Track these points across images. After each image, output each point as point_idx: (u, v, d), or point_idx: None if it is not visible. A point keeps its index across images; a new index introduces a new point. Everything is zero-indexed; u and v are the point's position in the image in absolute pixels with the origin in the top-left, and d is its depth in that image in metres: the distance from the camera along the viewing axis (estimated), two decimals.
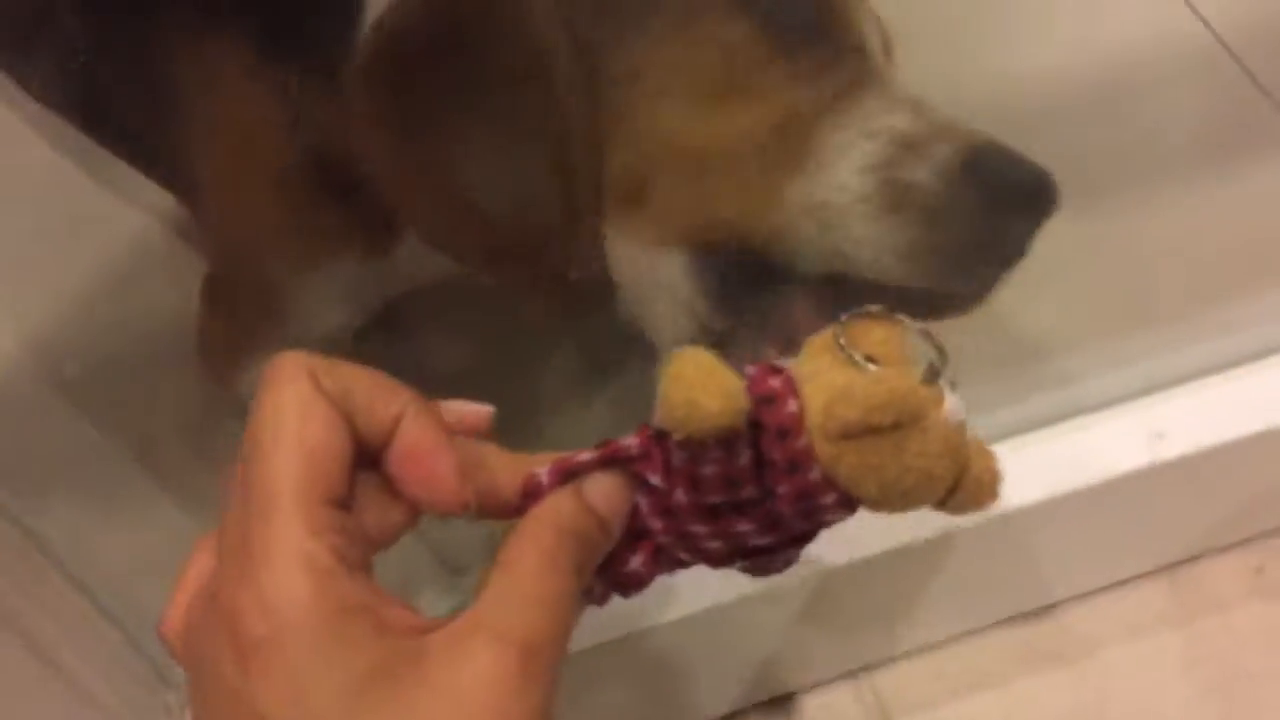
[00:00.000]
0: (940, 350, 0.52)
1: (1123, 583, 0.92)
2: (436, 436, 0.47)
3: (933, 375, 0.50)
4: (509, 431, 0.52)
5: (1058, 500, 0.79)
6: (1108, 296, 1.01)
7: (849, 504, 0.49)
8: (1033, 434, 0.81)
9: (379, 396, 0.48)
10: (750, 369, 0.50)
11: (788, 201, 0.64)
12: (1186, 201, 1.09)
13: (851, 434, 0.47)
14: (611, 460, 0.50)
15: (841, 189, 0.63)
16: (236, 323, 0.88)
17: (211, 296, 0.88)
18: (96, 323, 1.01)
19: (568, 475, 0.50)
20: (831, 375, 0.49)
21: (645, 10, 0.68)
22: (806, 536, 0.52)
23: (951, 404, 0.49)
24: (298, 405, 0.46)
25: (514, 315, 0.91)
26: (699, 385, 0.46)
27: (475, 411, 0.51)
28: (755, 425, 0.48)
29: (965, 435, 0.50)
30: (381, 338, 0.94)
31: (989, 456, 0.50)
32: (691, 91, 0.67)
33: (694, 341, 0.65)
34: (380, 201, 0.76)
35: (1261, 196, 1.08)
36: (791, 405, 0.48)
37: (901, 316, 0.53)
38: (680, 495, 0.49)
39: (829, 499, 0.49)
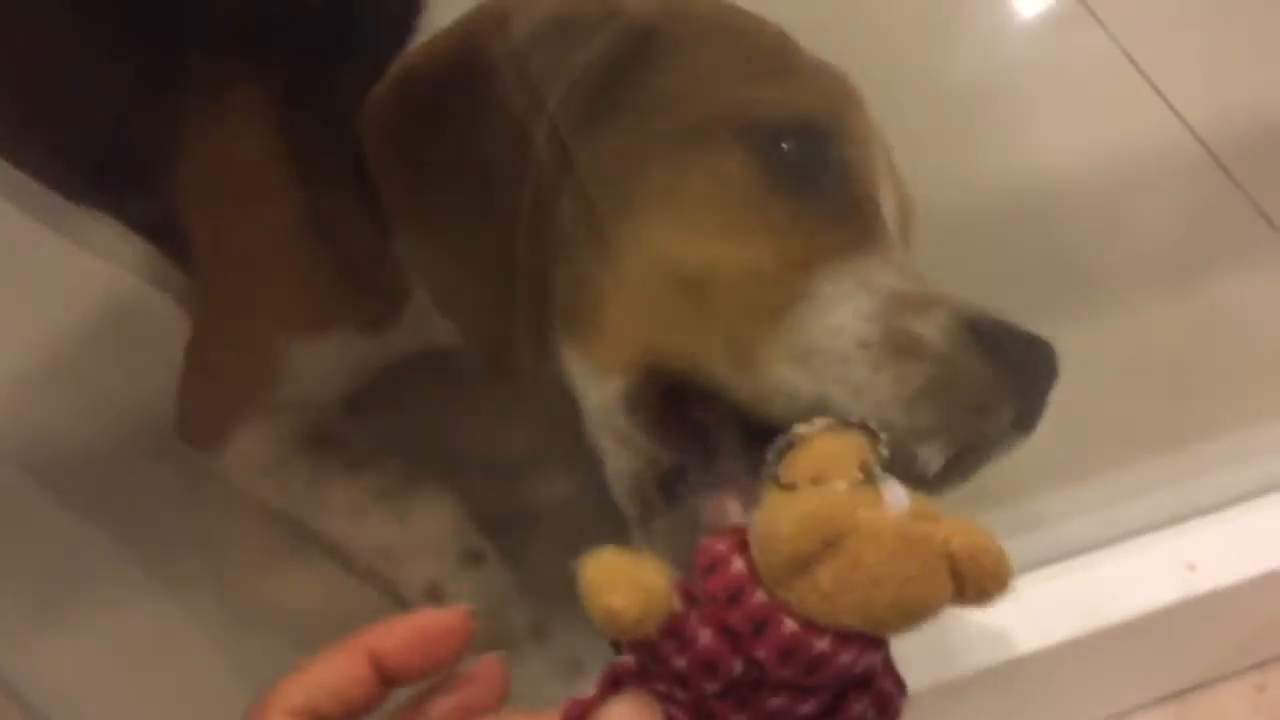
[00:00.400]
0: (873, 440, 0.49)
1: (1128, 712, 0.89)
2: None
3: (868, 475, 0.47)
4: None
5: (1085, 638, 0.76)
6: (1108, 417, 0.98)
7: (856, 642, 0.45)
8: (1061, 565, 0.78)
9: (347, 676, 0.48)
10: (704, 539, 0.48)
11: (773, 342, 0.61)
12: (1180, 311, 1.08)
13: (796, 571, 0.45)
14: (614, 684, 0.48)
15: (838, 333, 0.61)
16: (225, 385, 0.85)
17: (200, 357, 0.84)
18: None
19: (582, 718, 0.47)
20: (758, 516, 0.47)
21: (645, 127, 0.66)
22: (866, 684, 0.47)
23: (889, 496, 0.46)
24: None
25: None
26: (608, 589, 0.44)
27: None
28: (709, 599, 0.46)
29: (929, 523, 0.46)
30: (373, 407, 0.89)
31: (972, 533, 0.46)
32: (681, 218, 0.65)
33: (639, 475, 0.65)
34: (383, 271, 0.75)
35: (1258, 312, 1.08)
36: (736, 565, 0.46)
37: (823, 420, 0.50)
38: (679, 694, 0.46)
39: (822, 645, 0.45)
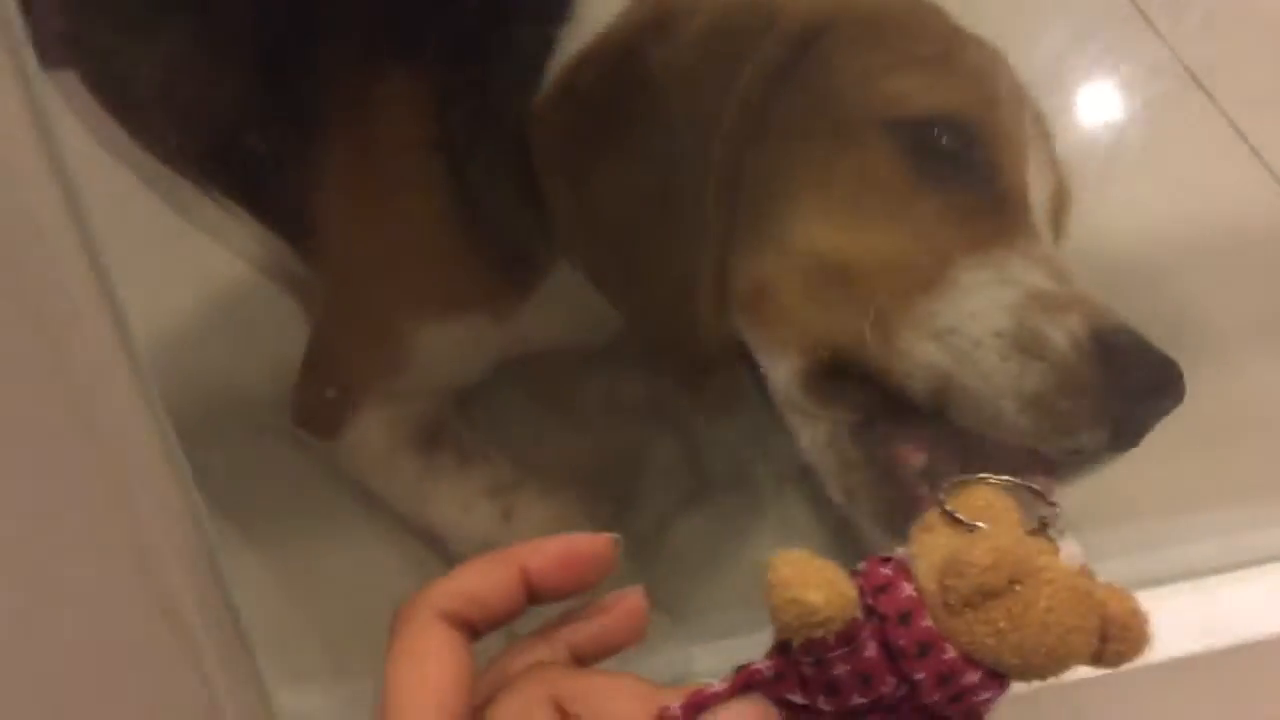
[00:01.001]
0: (1046, 501, 0.52)
1: None
2: None
3: (1041, 528, 0.50)
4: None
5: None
6: (1201, 469, 0.98)
7: (996, 680, 0.47)
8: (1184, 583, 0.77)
9: (496, 586, 0.50)
10: (862, 564, 0.50)
11: (915, 322, 0.64)
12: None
13: (973, 603, 0.46)
14: (746, 687, 0.49)
15: (974, 317, 0.63)
16: (350, 371, 0.86)
17: (326, 342, 0.87)
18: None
19: (700, 708, 0.48)
20: (938, 548, 0.49)
21: (805, 125, 0.69)
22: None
23: (1067, 550, 0.48)
24: (432, 662, 0.46)
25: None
26: (799, 583, 0.46)
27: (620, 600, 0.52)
28: (877, 617, 0.47)
29: (1093, 581, 0.48)
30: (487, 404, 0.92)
31: (1127, 598, 0.49)
32: (832, 211, 0.67)
33: (832, 437, 0.67)
34: (513, 262, 0.77)
35: None
36: (907, 588, 0.48)
37: (999, 477, 0.52)
38: (823, 703, 0.47)
39: (973, 678, 0.47)
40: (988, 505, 0.51)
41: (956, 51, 0.73)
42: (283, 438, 0.89)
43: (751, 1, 0.72)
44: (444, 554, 0.87)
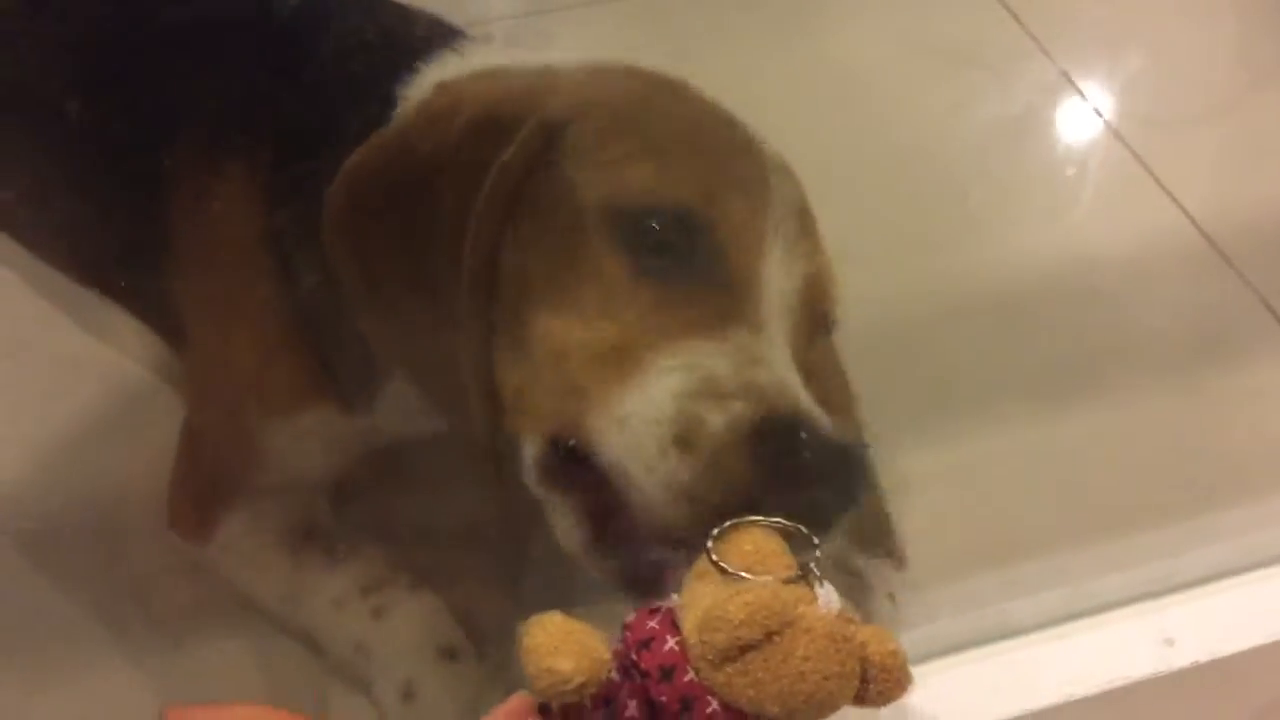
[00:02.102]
0: (809, 544, 0.54)
1: None
2: None
3: (803, 573, 0.51)
4: None
5: (1058, 710, 0.74)
6: (1110, 493, 0.99)
7: None
8: (1039, 634, 0.77)
9: None
10: (631, 616, 0.51)
11: (605, 410, 0.63)
12: (1181, 396, 1.09)
13: (730, 656, 0.47)
14: None
15: (647, 402, 0.62)
16: (214, 472, 0.86)
17: (189, 444, 0.86)
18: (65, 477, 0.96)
19: None
20: (703, 598, 0.50)
21: (548, 216, 0.69)
22: None
23: (823, 597, 0.50)
24: None
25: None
26: (550, 650, 0.46)
27: None
28: (639, 673, 0.48)
29: (852, 625, 0.50)
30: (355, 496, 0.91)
31: (886, 639, 0.50)
32: (556, 300, 0.67)
33: (576, 519, 0.66)
34: (360, 351, 0.76)
35: (1255, 394, 1.08)
36: (670, 642, 0.49)
37: (770, 519, 0.54)
38: None
39: None
40: (755, 550, 0.53)
41: (698, 140, 0.71)
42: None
43: (517, 93, 0.72)
44: (320, 658, 0.86)
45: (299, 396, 0.80)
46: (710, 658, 0.48)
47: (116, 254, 0.91)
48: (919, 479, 0.99)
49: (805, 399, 0.63)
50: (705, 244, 0.67)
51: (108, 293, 0.96)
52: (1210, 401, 1.08)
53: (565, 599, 0.67)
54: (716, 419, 0.60)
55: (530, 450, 0.67)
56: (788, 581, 0.51)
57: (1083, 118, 1.39)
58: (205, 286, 0.83)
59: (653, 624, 0.50)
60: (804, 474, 0.59)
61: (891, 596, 0.83)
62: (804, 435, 0.60)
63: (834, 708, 0.49)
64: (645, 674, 0.48)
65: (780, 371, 0.64)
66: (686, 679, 0.48)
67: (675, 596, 0.53)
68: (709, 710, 0.48)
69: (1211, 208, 1.26)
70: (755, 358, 0.64)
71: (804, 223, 0.72)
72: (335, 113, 0.78)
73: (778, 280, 0.68)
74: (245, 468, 0.84)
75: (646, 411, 0.61)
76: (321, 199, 0.70)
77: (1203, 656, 0.76)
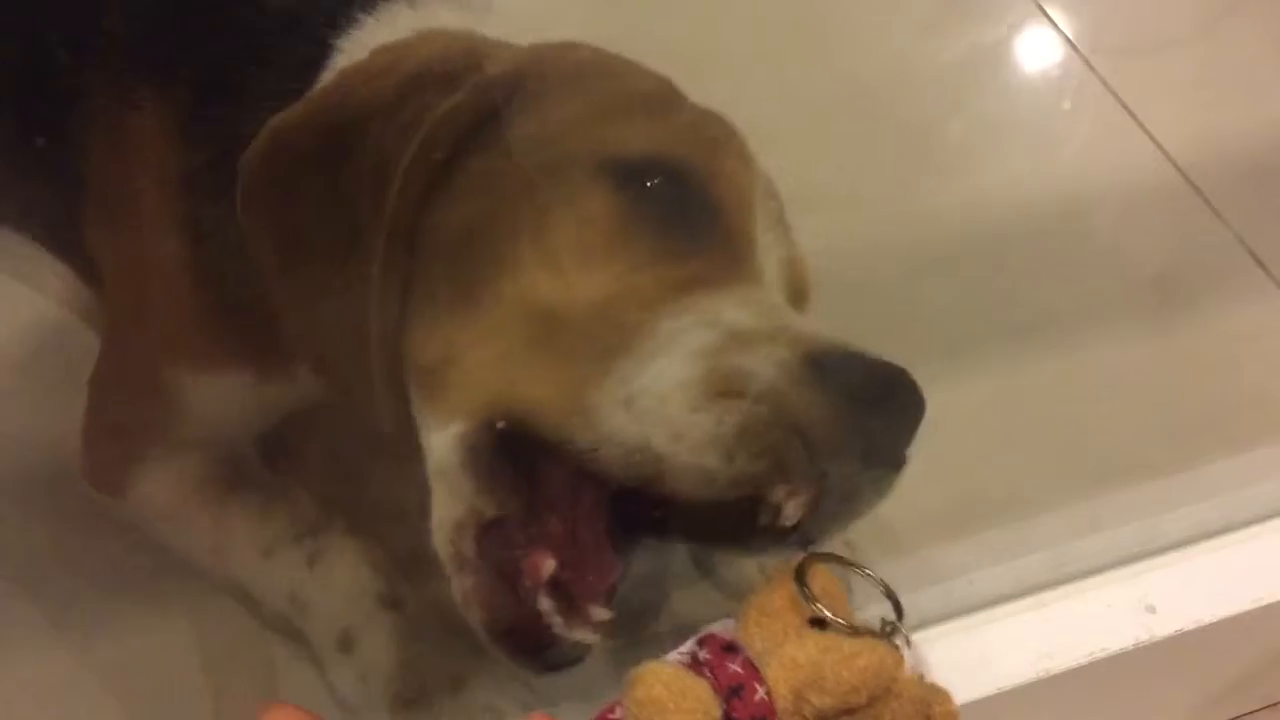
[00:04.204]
0: (894, 602, 0.55)
1: None
2: None
3: (890, 629, 0.52)
4: None
5: (1038, 683, 0.71)
6: (1086, 449, 0.95)
7: None
8: (1018, 602, 0.74)
9: None
10: (705, 653, 0.50)
11: (601, 385, 0.57)
12: (1159, 342, 1.05)
13: (828, 718, 0.48)
14: None
15: (659, 375, 0.56)
16: (125, 421, 0.81)
17: (100, 391, 0.80)
18: None
19: None
20: (792, 650, 0.50)
21: (506, 171, 0.64)
22: None
23: (910, 660, 0.51)
24: None
25: None
26: (673, 707, 0.46)
27: None
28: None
29: (926, 686, 0.51)
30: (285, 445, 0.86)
31: (948, 701, 0.52)
32: (537, 256, 0.61)
33: (459, 526, 0.61)
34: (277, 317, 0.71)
35: (1235, 339, 1.04)
36: (759, 692, 0.49)
37: (844, 560, 0.55)
38: None
39: None
40: (824, 592, 0.53)
41: (680, 110, 0.68)
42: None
43: (465, 50, 0.67)
44: (255, 613, 0.81)
45: (211, 359, 0.75)
46: (806, 715, 0.48)
47: (31, 192, 0.85)
48: None
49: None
50: (702, 198, 0.63)
51: (25, 231, 0.90)
52: (1189, 348, 1.05)
53: None
54: (760, 362, 0.55)
55: (457, 427, 0.61)
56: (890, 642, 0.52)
57: (1055, 48, 1.34)
58: (118, 231, 0.77)
59: (735, 667, 0.49)
60: (874, 394, 0.56)
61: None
62: (862, 358, 0.57)
63: None
64: None
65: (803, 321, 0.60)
66: None
67: (731, 621, 0.53)
68: None
69: (1187, 142, 1.22)
70: (774, 306, 0.61)
71: (778, 206, 0.69)
72: (265, 56, 0.72)
73: (772, 244, 0.65)
74: (159, 420, 0.79)
75: (660, 385, 0.56)
76: (241, 152, 0.64)
77: (1187, 623, 0.73)
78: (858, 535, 0.82)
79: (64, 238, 0.86)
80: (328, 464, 0.87)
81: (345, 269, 0.64)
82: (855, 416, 0.55)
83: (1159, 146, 1.22)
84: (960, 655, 0.70)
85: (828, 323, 0.96)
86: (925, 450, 0.92)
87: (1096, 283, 1.09)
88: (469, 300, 0.61)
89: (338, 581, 0.78)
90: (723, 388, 0.55)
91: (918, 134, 1.22)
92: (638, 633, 0.59)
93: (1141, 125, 1.24)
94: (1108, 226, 1.16)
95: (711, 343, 0.57)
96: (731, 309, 0.59)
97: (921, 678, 0.51)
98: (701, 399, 0.55)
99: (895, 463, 0.57)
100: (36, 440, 0.88)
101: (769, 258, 0.65)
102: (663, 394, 0.55)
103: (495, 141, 0.63)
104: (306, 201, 0.65)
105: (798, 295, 0.68)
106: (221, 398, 0.77)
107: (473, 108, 0.63)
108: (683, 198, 0.62)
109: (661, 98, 0.68)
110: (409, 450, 0.65)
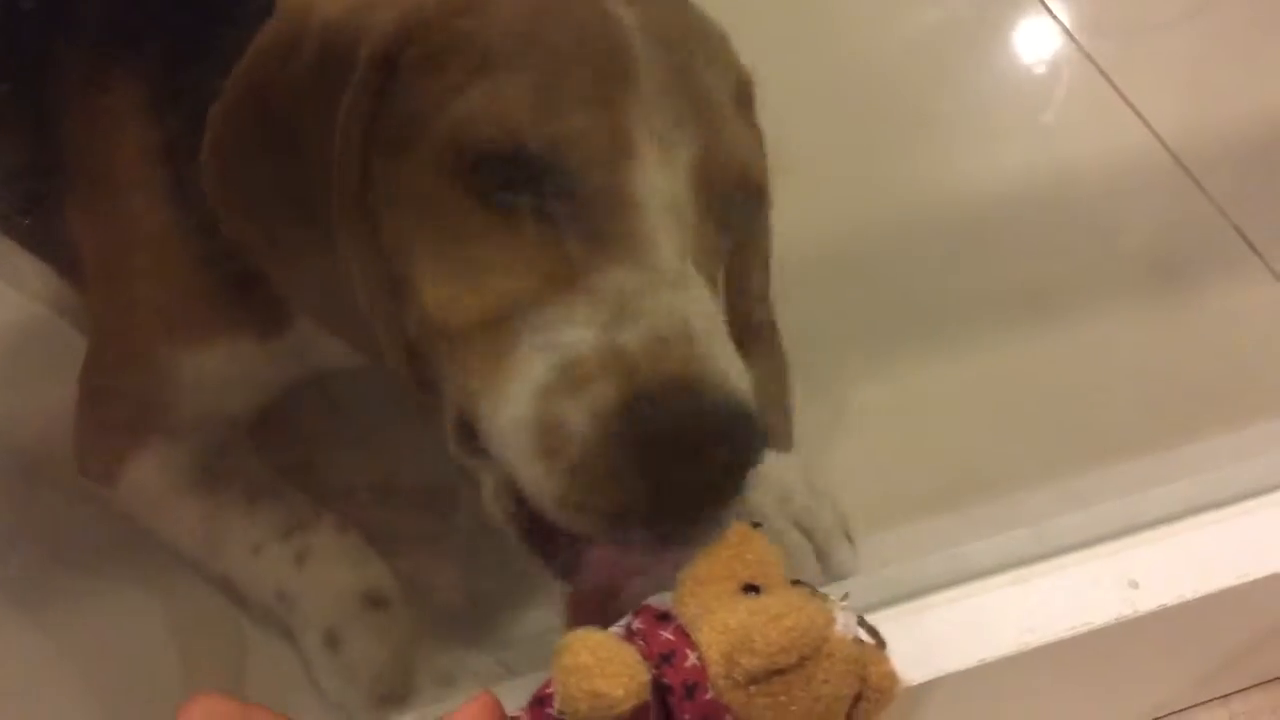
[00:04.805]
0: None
1: None
2: None
3: (813, 591, 0.52)
4: None
5: (1020, 657, 0.70)
6: (1071, 424, 0.95)
7: None
8: (1001, 576, 0.73)
9: None
10: (637, 623, 0.50)
11: (481, 411, 0.58)
12: (1147, 322, 1.05)
13: (758, 679, 0.48)
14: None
15: (507, 414, 0.56)
16: (120, 411, 0.81)
17: (92, 382, 0.81)
18: None
19: None
20: (723, 615, 0.49)
21: (397, 161, 0.61)
22: None
23: (842, 620, 0.50)
24: None
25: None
26: (599, 672, 0.46)
27: None
28: (661, 689, 0.48)
29: (860, 646, 0.51)
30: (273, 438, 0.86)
31: (884, 662, 0.52)
32: (429, 257, 0.60)
33: (498, 488, 0.61)
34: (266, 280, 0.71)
35: (1223, 319, 1.04)
36: (691, 657, 0.48)
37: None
38: None
39: None
40: (758, 560, 0.53)
41: (537, 37, 0.59)
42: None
43: (344, 22, 0.62)
44: (241, 607, 0.81)
45: (209, 327, 0.74)
46: (737, 678, 0.48)
47: (6, 188, 0.84)
48: (869, 411, 0.96)
49: (699, 325, 0.55)
50: (558, 176, 0.57)
51: (3, 229, 0.90)
52: (1175, 326, 1.04)
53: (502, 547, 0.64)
54: (577, 411, 0.53)
55: (446, 413, 0.62)
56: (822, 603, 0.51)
57: (1046, 29, 1.34)
58: (101, 214, 0.77)
59: (667, 634, 0.49)
60: (687, 456, 0.53)
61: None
62: (679, 407, 0.53)
63: None
64: (669, 690, 0.48)
65: (662, 306, 0.56)
66: (707, 697, 0.48)
67: (665, 596, 0.52)
68: None
69: (1177, 122, 1.22)
70: (623, 306, 0.56)
71: (696, 87, 0.61)
72: (228, 13, 0.69)
73: (658, 182, 0.58)
74: (152, 406, 0.78)
75: (513, 414, 0.56)
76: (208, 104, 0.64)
77: (1169, 599, 0.72)
78: (846, 507, 0.82)
79: (43, 234, 0.85)
80: (313, 453, 0.87)
81: (325, 242, 0.62)
82: (670, 475, 0.53)
83: (1149, 127, 1.22)
84: (943, 627, 0.69)
85: (820, 300, 0.98)
86: (912, 425, 0.93)
87: (1084, 261, 1.09)
88: (406, 292, 0.61)
89: (325, 579, 0.78)
90: (549, 442, 0.54)
91: (908, 114, 1.22)
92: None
93: (1131, 105, 1.24)
94: (1097, 206, 1.15)
95: (545, 380, 0.55)
96: (574, 327, 0.55)
97: (856, 640, 0.51)
98: (533, 450, 0.55)
99: (723, 502, 0.55)
100: (19, 438, 0.90)
101: (656, 199, 0.58)
102: (507, 437, 0.56)
103: (389, 125, 0.60)
104: (255, 163, 0.64)
105: (726, 187, 0.62)
106: (219, 371, 0.76)
107: (370, 97, 0.60)
108: (536, 179, 0.57)
109: (527, 31, 0.59)
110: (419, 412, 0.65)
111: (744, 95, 0.67)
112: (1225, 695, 0.87)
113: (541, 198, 0.57)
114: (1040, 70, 1.32)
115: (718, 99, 0.62)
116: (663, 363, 0.54)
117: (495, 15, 0.60)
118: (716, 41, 0.66)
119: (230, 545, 0.80)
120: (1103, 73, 1.27)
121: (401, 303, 0.62)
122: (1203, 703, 0.86)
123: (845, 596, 0.52)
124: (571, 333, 0.55)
